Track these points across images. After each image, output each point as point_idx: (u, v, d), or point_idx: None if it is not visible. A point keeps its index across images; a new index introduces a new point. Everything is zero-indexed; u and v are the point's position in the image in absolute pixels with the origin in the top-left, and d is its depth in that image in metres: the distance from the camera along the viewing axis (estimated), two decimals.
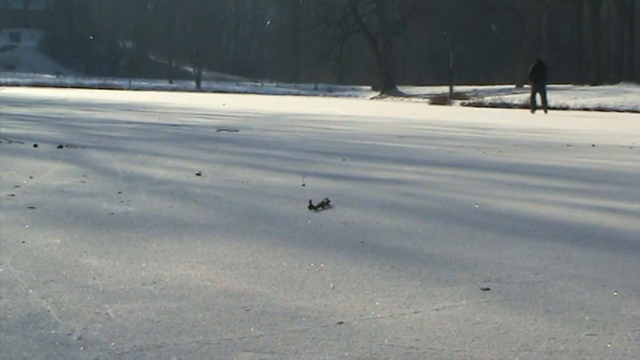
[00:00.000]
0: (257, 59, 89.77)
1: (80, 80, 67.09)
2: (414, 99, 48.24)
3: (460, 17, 59.05)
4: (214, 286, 3.17)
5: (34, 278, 3.23)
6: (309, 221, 4.73)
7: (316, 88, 66.39)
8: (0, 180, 6.21)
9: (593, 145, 12.07)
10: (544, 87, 27.94)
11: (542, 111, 27.62)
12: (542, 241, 4.26)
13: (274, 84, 72.41)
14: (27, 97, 31.01)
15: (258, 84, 72.53)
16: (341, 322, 2.73)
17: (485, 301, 3.04)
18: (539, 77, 27.53)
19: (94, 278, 3.25)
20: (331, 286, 3.23)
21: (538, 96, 27.89)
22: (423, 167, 8.29)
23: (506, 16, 59.70)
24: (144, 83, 66.39)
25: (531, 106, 28.26)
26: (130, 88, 60.08)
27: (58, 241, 3.95)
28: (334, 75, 75.73)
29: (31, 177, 6.43)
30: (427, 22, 62.56)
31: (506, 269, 3.59)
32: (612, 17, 59.43)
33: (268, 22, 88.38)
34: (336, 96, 57.56)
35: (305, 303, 2.96)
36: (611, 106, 34.49)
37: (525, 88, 47.86)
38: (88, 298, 2.96)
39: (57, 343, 2.46)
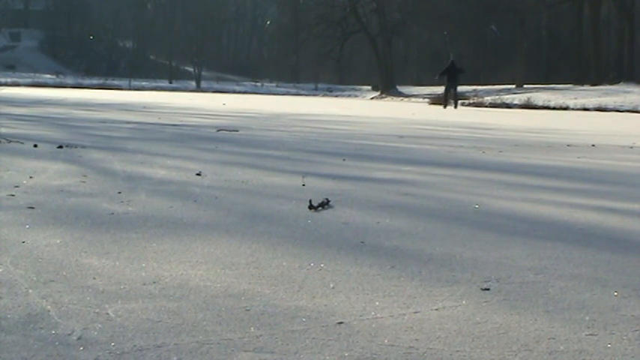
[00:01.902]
0: (257, 59, 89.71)
1: (80, 80, 67.00)
2: (414, 99, 48.24)
3: (460, 17, 59.00)
4: (214, 286, 3.17)
5: (34, 278, 3.23)
6: (309, 221, 4.73)
7: (316, 88, 66.35)
8: (0, 180, 6.21)
9: (593, 145, 12.07)
10: (456, 86, 32.20)
11: (452, 106, 31.54)
12: (542, 241, 4.26)
13: (274, 84, 72.35)
14: (27, 97, 31.00)
15: (258, 84, 72.47)
16: (341, 322, 2.73)
17: (485, 301, 3.04)
18: (452, 76, 31.60)
19: (94, 278, 3.25)
20: (331, 286, 3.23)
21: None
22: (423, 167, 8.29)
23: (506, 16, 59.67)
24: (144, 83, 66.32)
25: (444, 102, 32.39)
26: (129, 88, 60.03)
27: (58, 241, 3.95)
28: (334, 75, 75.65)
29: (31, 177, 6.43)
30: (427, 22, 62.55)
31: (506, 269, 3.59)
32: (612, 17, 59.42)
33: (268, 22, 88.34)
34: (336, 96, 57.56)
35: (305, 303, 2.96)
36: (611, 106, 34.49)
37: (525, 88, 47.95)
38: (88, 298, 2.96)
39: (57, 343, 2.46)
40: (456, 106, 31.57)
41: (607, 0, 55.84)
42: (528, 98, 38.40)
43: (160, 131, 12.95)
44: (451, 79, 31.71)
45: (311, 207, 5.11)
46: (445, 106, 31.60)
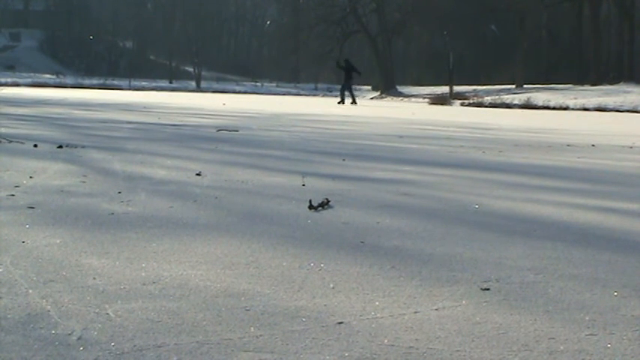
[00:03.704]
0: (257, 59, 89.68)
1: (80, 80, 66.98)
2: (414, 99, 48.22)
3: (460, 17, 59.01)
4: (214, 286, 3.17)
5: (34, 278, 3.23)
6: (309, 221, 4.73)
7: (316, 88, 66.35)
8: (0, 180, 6.21)
9: (593, 145, 12.08)
10: (350, 84, 35.49)
11: (350, 102, 34.21)
12: (542, 241, 4.26)
13: (274, 84, 72.33)
14: (27, 97, 31.00)
15: (258, 84, 72.45)
16: (341, 322, 2.73)
17: (485, 301, 3.04)
18: (348, 75, 34.94)
19: (94, 278, 3.25)
20: (331, 286, 3.23)
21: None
22: (423, 167, 8.29)
23: (506, 16, 59.68)
24: (144, 83, 66.29)
25: (341, 98, 35.19)
26: (130, 88, 60.01)
27: (58, 241, 3.95)
28: (334, 75, 75.63)
29: (31, 177, 6.43)
30: (427, 22, 62.55)
31: (506, 269, 3.59)
32: (612, 17, 59.42)
33: (268, 22, 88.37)
34: (337, 96, 57.50)
35: (305, 303, 2.96)
36: (611, 106, 34.51)
37: (525, 88, 47.93)
38: (88, 298, 2.96)
39: (57, 343, 2.46)
40: (353, 102, 33.89)
41: (607, 0, 55.85)
42: (528, 98, 38.40)
43: (160, 131, 12.95)
44: (347, 78, 34.96)
45: (311, 207, 5.11)
46: (342, 102, 34.05)
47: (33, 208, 4.95)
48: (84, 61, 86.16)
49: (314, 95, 59.23)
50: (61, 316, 2.73)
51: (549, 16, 62.57)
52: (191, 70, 77.48)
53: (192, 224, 4.53)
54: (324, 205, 5.20)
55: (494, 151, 10.57)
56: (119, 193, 5.67)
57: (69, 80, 66.78)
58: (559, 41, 64.20)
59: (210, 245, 3.95)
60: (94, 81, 66.19)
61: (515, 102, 37.89)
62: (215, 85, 69.55)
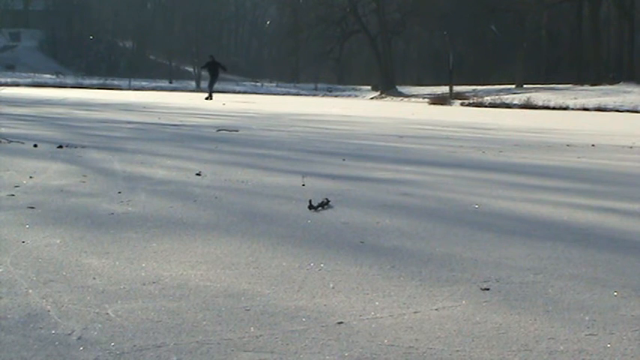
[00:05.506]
0: (257, 59, 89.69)
1: (80, 80, 66.93)
2: (413, 99, 48.23)
3: (460, 17, 59.00)
4: (214, 286, 3.17)
5: (34, 278, 3.23)
6: (309, 221, 4.73)
7: (316, 88, 66.32)
8: (0, 180, 6.20)
9: (593, 145, 12.08)
10: (215, 80, 38.47)
11: (210, 98, 35.90)
12: (542, 241, 4.26)
13: (274, 84, 72.31)
14: (27, 97, 30.99)
15: (258, 84, 72.44)
16: (341, 322, 2.73)
17: (485, 301, 3.04)
18: (214, 72, 37.52)
19: (94, 278, 3.25)
20: (331, 286, 3.23)
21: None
22: (423, 167, 8.29)
23: (506, 16, 59.68)
24: (144, 83, 66.25)
25: (208, 93, 36.89)
26: (129, 88, 59.99)
27: (58, 241, 3.95)
28: (334, 75, 75.64)
29: (31, 177, 6.43)
30: (427, 22, 62.53)
31: (506, 269, 3.59)
32: (612, 17, 59.43)
33: (268, 22, 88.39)
34: (336, 96, 57.53)
35: (305, 303, 2.96)
36: (611, 106, 34.54)
37: (525, 88, 47.92)
38: (88, 298, 2.96)
39: (57, 343, 2.46)
40: (210, 98, 35.41)
41: (607, 0, 55.87)
42: (528, 98, 38.43)
43: (160, 131, 12.94)
44: (214, 74, 37.52)
45: (311, 207, 5.11)
46: (211, 98, 35.30)
47: (33, 208, 4.95)
48: (84, 61, 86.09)
49: (314, 95, 59.21)
50: (61, 316, 2.73)
51: (549, 16, 62.55)
52: (191, 70, 77.44)
53: (192, 224, 4.53)
54: (324, 205, 5.20)
55: (494, 151, 10.57)
56: (119, 193, 5.67)
57: (69, 80, 66.72)
58: (559, 41, 64.20)
59: (210, 245, 3.95)
60: (94, 81, 66.14)
61: (515, 102, 37.92)
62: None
